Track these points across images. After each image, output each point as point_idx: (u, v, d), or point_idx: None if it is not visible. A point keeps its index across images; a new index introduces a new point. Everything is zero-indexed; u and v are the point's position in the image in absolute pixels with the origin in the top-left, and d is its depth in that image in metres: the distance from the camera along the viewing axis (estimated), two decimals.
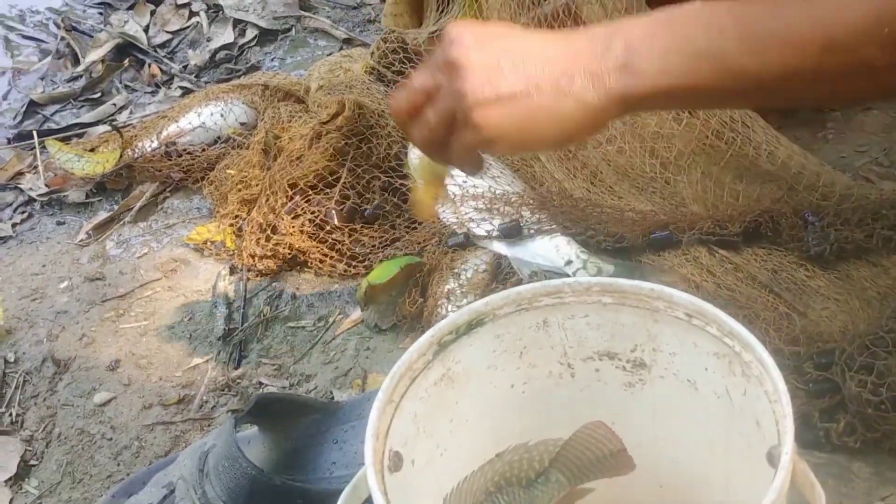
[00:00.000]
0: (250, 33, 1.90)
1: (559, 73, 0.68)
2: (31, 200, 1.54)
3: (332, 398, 1.13)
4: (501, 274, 1.23)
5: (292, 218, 1.30)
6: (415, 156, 1.29)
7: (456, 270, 1.22)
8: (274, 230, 1.30)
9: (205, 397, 1.16)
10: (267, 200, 1.33)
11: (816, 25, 0.66)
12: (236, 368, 1.19)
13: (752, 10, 0.67)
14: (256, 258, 1.30)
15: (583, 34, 0.70)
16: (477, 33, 0.70)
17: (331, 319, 1.25)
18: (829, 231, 1.09)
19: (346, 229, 1.29)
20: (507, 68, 0.69)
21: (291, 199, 1.31)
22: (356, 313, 1.23)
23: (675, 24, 0.68)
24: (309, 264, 1.30)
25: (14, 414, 1.19)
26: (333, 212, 1.29)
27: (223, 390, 1.17)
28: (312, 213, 1.29)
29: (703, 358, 0.72)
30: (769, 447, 0.63)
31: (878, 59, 0.65)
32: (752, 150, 1.21)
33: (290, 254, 1.30)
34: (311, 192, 1.32)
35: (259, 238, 1.30)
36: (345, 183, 1.32)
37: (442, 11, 1.32)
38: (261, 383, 1.17)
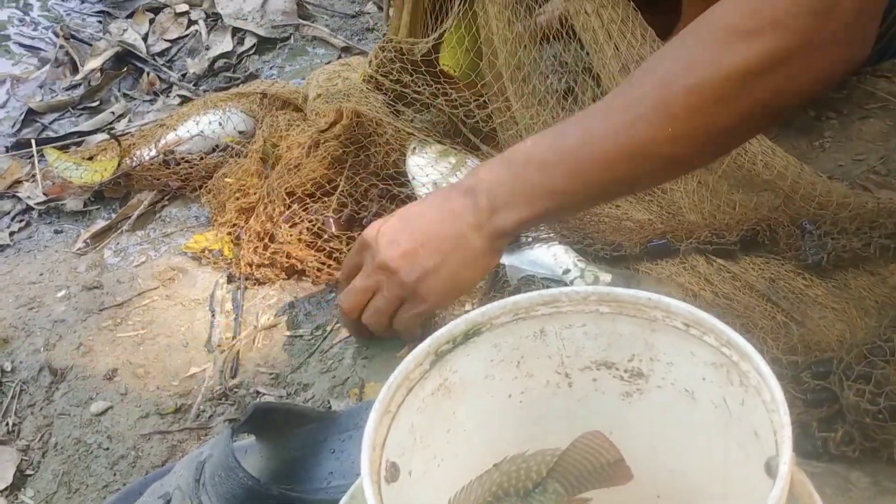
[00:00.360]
0: (249, 42, 1.90)
1: (455, 236, 0.93)
2: (28, 209, 1.54)
3: (330, 408, 1.13)
4: (499, 283, 1.23)
5: (290, 226, 1.30)
6: (413, 164, 1.29)
7: None
8: (272, 239, 1.30)
9: (202, 406, 1.16)
10: (265, 209, 1.33)
11: (618, 143, 0.83)
12: (233, 377, 1.19)
13: (567, 141, 0.86)
14: (254, 267, 1.30)
15: (457, 195, 0.93)
16: (387, 233, 0.96)
17: (328, 328, 1.25)
18: (826, 240, 1.09)
19: (344, 237, 1.29)
20: (420, 249, 0.94)
21: (289, 207, 1.31)
22: None
23: (514, 168, 0.89)
24: (307, 273, 1.30)
25: (10, 423, 1.18)
26: (331, 220, 1.29)
27: (220, 399, 1.17)
28: (310, 221, 1.29)
29: (701, 368, 0.72)
30: (767, 457, 0.63)
31: (675, 151, 0.81)
32: (748, 160, 1.21)
33: (287, 262, 1.30)
34: (308, 201, 1.32)
35: (257, 247, 1.30)
36: (342, 191, 1.32)
37: (439, 21, 1.32)
38: (258, 392, 1.17)
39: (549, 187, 0.87)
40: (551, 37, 1.24)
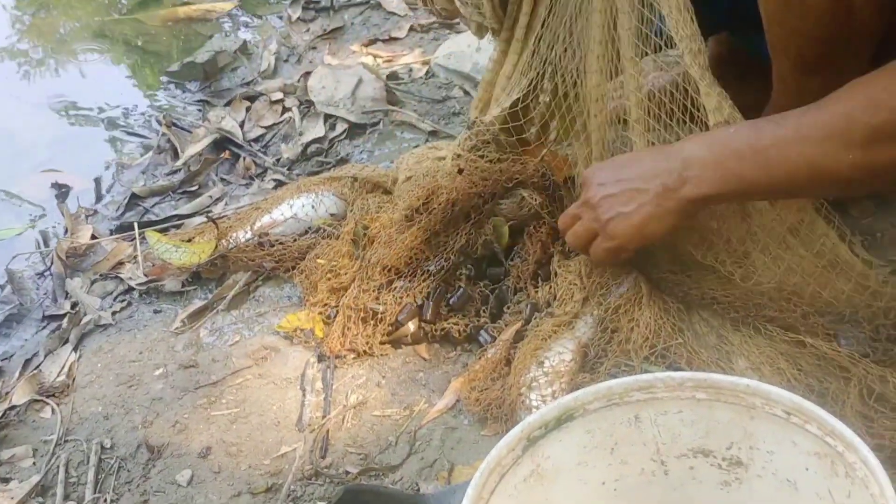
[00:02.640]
0: (340, 127, 1.96)
1: (651, 191, 1.09)
2: (130, 289, 1.60)
3: (419, 490, 1.12)
4: (589, 364, 1.22)
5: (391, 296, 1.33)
6: None
7: (539, 358, 1.21)
8: (371, 315, 1.33)
9: (292, 486, 1.17)
10: (360, 284, 1.35)
11: (804, 154, 0.97)
12: (323, 457, 1.20)
13: (763, 140, 1.00)
14: (348, 341, 1.32)
15: (663, 156, 1.10)
16: (599, 175, 1.16)
17: (416, 409, 1.25)
18: None
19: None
20: (621, 195, 1.12)
21: (389, 282, 1.34)
22: (442, 402, 1.23)
23: (714, 148, 1.05)
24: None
25: (108, 500, 1.21)
26: (430, 304, 1.32)
27: (310, 479, 1.18)
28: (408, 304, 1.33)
29: (804, 457, 0.70)
30: None
31: (851, 175, 0.96)
32: None
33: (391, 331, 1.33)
34: (395, 278, 1.35)
35: (352, 321, 1.33)
36: (432, 271, 1.34)
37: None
38: (347, 472, 1.17)
39: (738, 173, 1.02)
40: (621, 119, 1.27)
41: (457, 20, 1.58)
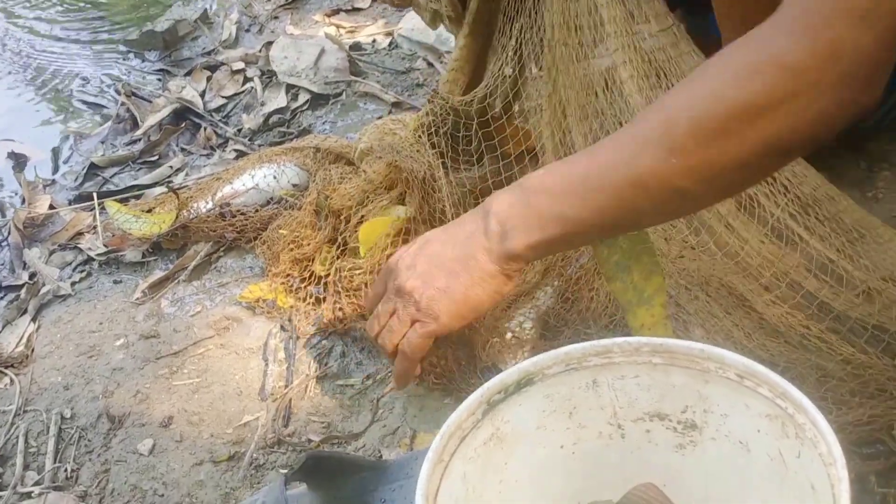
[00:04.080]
0: (302, 98, 1.95)
1: (466, 257, 0.96)
2: (89, 260, 1.58)
3: (381, 457, 1.13)
4: (549, 332, 1.23)
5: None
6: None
7: (501, 329, 1.22)
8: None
9: (255, 454, 1.17)
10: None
11: (623, 172, 0.85)
12: (286, 426, 1.20)
13: (575, 169, 0.90)
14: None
15: (471, 218, 0.98)
16: (406, 259, 1.02)
17: (379, 377, 1.26)
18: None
19: None
20: (432, 271, 0.99)
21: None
22: None
23: (526, 194, 0.92)
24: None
25: (69, 469, 1.21)
26: None
27: (273, 447, 1.18)
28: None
29: (756, 420, 0.72)
30: None
31: (681, 184, 0.82)
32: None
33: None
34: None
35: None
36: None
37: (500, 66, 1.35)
38: (310, 441, 1.18)
39: (557, 213, 0.89)
40: (605, 87, 1.26)
41: (409, 8, 1.57)
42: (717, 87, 0.80)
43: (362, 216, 1.36)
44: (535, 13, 1.29)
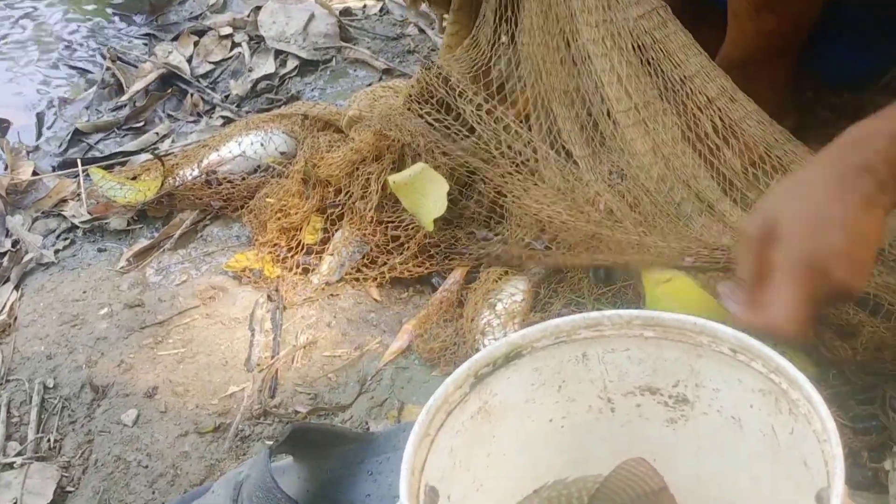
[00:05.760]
0: (291, 64, 1.92)
1: (875, 225, 0.81)
2: (73, 227, 1.55)
3: (368, 429, 1.12)
4: (540, 304, 1.22)
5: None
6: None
7: (491, 301, 1.21)
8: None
9: (240, 426, 1.16)
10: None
11: None
12: (272, 397, 1.19)
13: None
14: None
15: (855, 176, 0.81)
16: (804, 225, 0.82)
17: (367, 348, 1.24)
18: None
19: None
20: (849, 248, 0.80)
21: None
22: (395, 344, 1.22)
23: None
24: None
25: (52, 440, 1.19)
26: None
27: (259, 419, 1.17)
28: None
29: (748, 395, 0.70)
30: (818, 489, 0.61)
31: None
32: None
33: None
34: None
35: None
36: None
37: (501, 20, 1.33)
38: (296, 412, 1.16)
39: None
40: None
41: None
42: None
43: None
44: None
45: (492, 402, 0.74)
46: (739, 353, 0.69)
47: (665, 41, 1.21)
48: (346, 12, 2.06)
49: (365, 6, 2.09)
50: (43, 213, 1.60)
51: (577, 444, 0.79)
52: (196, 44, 2.05)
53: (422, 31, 1.96)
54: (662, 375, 0.75)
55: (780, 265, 0.81)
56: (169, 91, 1.91)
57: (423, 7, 1.47)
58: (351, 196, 1.36)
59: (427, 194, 1.29)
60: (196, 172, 1.53)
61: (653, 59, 1.21)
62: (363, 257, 1.33)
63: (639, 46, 1.21)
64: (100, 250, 1.50)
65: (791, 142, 1.20)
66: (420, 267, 1.30)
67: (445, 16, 1.45)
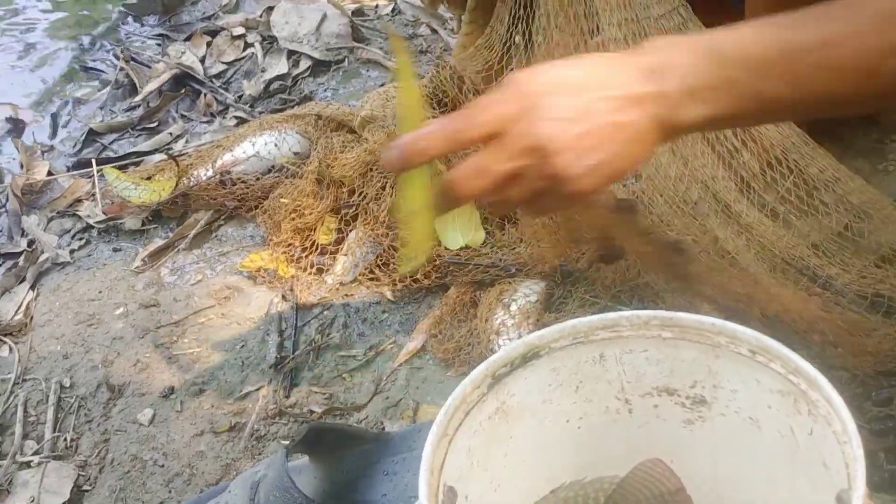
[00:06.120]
0: (304, 64, 1.92)
1: (633, 127, 0.73)
2: (88, 227, 1.56)
3: (384, 429, 1.12)
4: (554, 304, 1.22)
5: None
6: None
7: (505, 301, 1.21)
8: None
9: (256, 425, 1.16)
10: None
11: (860, 48, 0.71)
12: (287, 397, 1.19)
13: (800, 39, 0.73)
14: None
15: (638, 75, 0.74)
16: (555, 104, 0.73)
17: (381, 348, 1.24)
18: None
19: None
20: (589, 139, 0.73)
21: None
22: (411, 344, 1.23)
23: (723, 60, 0.73)
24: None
25: (68, 439, 1.20)
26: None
27: (274, 418, 1.17)
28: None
29: (767, 395, 0.70)
30: (838, 490, 0.61)
31: None
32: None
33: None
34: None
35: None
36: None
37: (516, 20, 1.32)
38: (311, 412, 1.17)
39: (759, 90, 0.73)
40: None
41: None
42: None
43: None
44: None
45: (509, 403, 0.74)
46: (758, 354, 0.69)
47: None
48: (359, 12, 2.06)
49: (377, 6, 2.09)
50: (58, 212, 1.61)
51: (594, 444, 0.79)
52: (209, 44, 2.05)
53: (434, 31, 1.97)
54: (680, 376, 0.75)
55: (505, 131, 0.73)
56: (182, 91, 1.92)
57: (441, 8, 1.47)
58: (365, 197, 1.36)
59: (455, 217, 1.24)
60: (210, 173, 1.54)
61: None
62: (377, 258, 1.33)
63: None
64: (115, 250, 1.51)
65: (808, 145, 1.20)
66: (427, 278, 1.29)
67: (462, 16, 1.45)
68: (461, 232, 1.24)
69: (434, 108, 1.40)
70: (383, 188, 1.35)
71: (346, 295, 1.32)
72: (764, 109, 0.76)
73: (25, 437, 1.22)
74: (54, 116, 1.92)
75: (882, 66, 0.71)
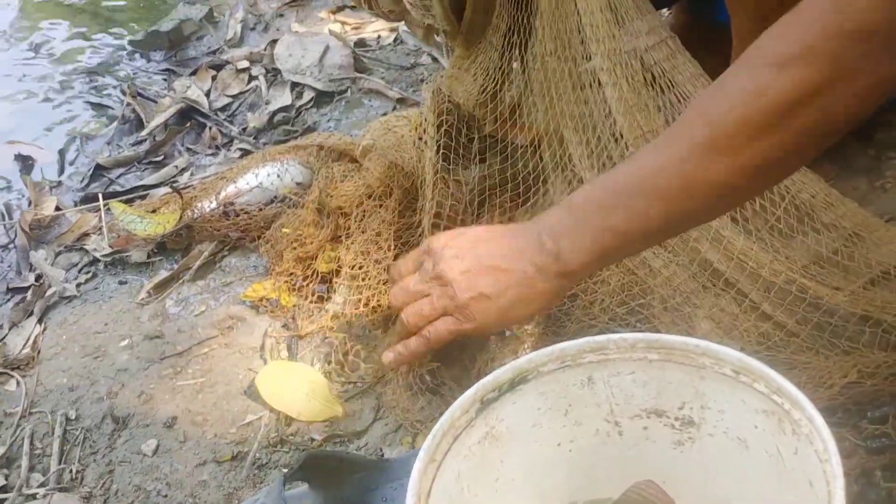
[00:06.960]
0: (307, 95, 1.95)
1: (519, 272, 0.94)
2: (95, 261, 1.58)
3: (382, 455, 1.13)
4: (552, 328, 1.22)
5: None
6: None
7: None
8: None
9: (258, 454, 1.17)
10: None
11: (671, 177, 0.84)
12: (288, 425, 1.20)
13: (621, 181, 0.89)
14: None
15: (525, 234, 0.95)
16: (453, 248, 0.99)
17: (381, 375, 1.25)
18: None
19: None
20: (482, 273, 0.96)
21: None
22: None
23: (574, 210, 0.92)
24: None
25: (74, 471, 1.21)
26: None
27: (275, 447, 1.18)
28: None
29: (752, 415, 0.71)
30: None
31: (729, 181, 0.81)
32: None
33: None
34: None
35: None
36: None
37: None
38: (312, 439, 1.18)
39: (608, 226, 0.88)
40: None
41: (402, 21, 1.56)
42: (752, 84, 0.79)
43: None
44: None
45: (498, 428, 0.75)
46: (741, 374, 0.70)
47: (673, 72, 1.22)
48: (361, 43, 2.09)
49: (379, 37, 2.12)
50: (65, 247, 1.63)
51: (585, 467, 0.79)
52: (214, 78, 2.08)
53: (435, 60, 1.99)
54: (668, 398, 0.76)
55: (422, 270, 1.02)
56: (188, 125, 1.94)
57: (438, 39, 1.48)
58: (361, 222, 1.38)
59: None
60: (214, 204, 1.56)
61: (663, 88, 1.22)
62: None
63: (650, 79, 1.22)
64: (121, 283, 1.53)
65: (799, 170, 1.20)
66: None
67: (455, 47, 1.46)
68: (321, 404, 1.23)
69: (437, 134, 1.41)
70: (380, 234, 1.37)
71: (347, 322, 1.33)
72: (625, 242, 0.89)
73: (31, 469, 1.23)
74: (62, 153, 1.96)
75: (698, 182, 0.83)
